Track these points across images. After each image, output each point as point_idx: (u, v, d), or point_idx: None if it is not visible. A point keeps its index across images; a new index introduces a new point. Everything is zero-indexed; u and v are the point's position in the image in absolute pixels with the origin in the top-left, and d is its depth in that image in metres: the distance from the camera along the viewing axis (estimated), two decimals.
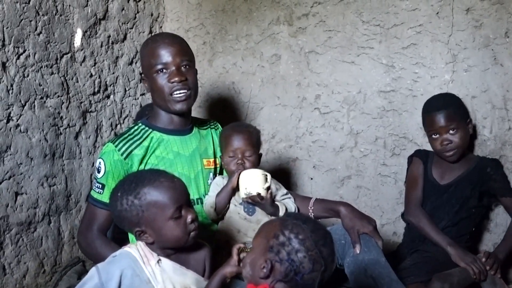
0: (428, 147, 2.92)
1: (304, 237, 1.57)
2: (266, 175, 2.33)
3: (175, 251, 1.84)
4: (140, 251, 1.81)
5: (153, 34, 3.55)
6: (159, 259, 1.81)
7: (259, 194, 2.28)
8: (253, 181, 2.31)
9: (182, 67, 2.32)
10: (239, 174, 2.34)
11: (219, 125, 2.67)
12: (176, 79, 2.27)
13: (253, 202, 2.33)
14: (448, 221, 2.78)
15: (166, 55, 2.29)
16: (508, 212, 2.83)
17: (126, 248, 1.84)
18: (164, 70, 2.29)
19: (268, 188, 2.33)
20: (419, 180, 2.90)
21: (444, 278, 2.48)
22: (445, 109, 2.76)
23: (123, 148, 2.26)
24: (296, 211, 2.46)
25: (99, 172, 2.26)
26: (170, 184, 1.81)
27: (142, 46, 2.44)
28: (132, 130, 2.37)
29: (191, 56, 2.41)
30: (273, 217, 2.34)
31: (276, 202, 2.40)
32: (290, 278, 1.55)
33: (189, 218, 1.80)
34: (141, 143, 2.31)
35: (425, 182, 2.89)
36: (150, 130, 2.38)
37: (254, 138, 2.47)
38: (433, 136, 2.80)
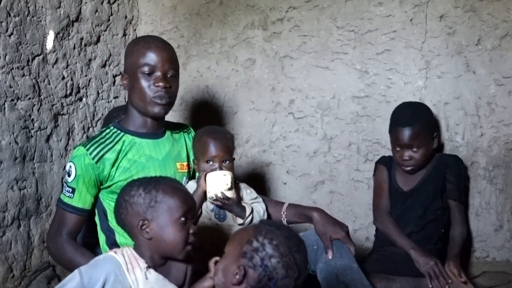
0: None
1: (278, 243, 1.57)
2: (227, 175, 2.32)
3: (164, 261, 1.84)
4: (126, 258, 1.78)
5: (127, 36, 3.52)
6: (148, 267, 1.78)
7: (223, 195, 2.28)
8: (215, 183, 2.30)
9: (169, 74, 2.31)
10: (205, 176, 2.33)
11: (192, 129, 2.65)
12: (161, 84, 2.26)
13: (219, 203, 2.33)
14: (414, 226, 2.81)
15: (156, 59, 2.28)
16: (451, 215, 2.85)
17: (111, 253, 1.80)
18: (151, 73, 2.28)
19: (231, 188, 2.31)
20: (384, 187, 2.93)
21: (381, 278, 2.52)
22: (411, 126, 2.75)
23: (95, 152, 2.23)
24: (265, 214, 2.45)
25: (69, 176, 2.23)
26: (185, 192, 1.89)
27: (132, 43, 2.42)
28: (104, 133, 2.34)
29: (178, 66, 2.41)
30: (240, 221, 2.34)
31: (243, 203, 2.39)
32: (263, 284, 1.55)
33: (192, 229, 1.82)
34: (113, 146, 2.29)
35: (390, 189, 2.91)
36: (122, 133, 2.35)
37: (231, 145, 2.46)
38: (396, 148, 2.82)
